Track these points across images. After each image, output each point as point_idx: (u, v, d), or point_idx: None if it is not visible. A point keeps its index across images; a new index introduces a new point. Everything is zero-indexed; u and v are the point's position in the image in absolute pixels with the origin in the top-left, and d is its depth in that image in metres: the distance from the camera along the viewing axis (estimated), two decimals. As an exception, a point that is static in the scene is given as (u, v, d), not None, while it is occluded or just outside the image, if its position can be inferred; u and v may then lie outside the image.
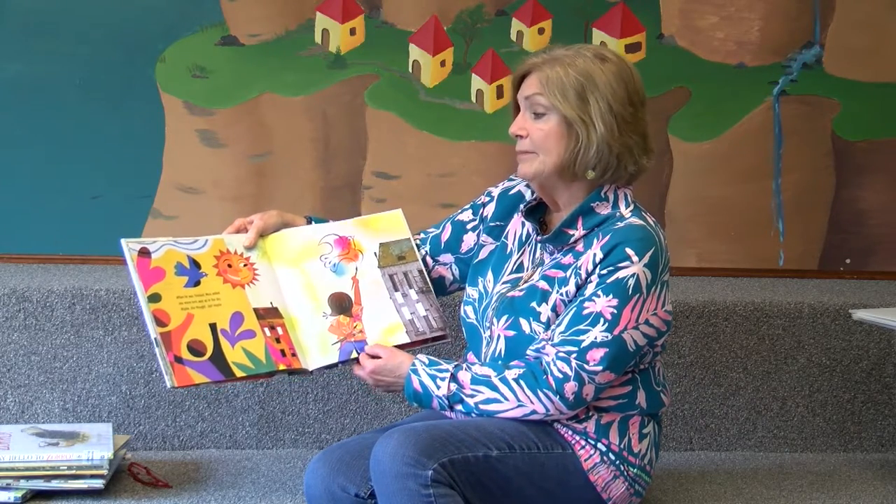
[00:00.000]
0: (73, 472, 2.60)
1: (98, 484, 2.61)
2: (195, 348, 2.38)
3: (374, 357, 2.46)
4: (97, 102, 3.44)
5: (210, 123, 3.49)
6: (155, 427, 3.06)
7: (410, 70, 3.53)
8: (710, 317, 3.17)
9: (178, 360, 2.36)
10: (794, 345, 3.19)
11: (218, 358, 2.39)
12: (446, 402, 2.39)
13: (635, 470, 2.46)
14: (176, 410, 3.06)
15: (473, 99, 3.55)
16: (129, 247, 2.44)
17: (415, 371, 2.40)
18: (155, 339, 2.36)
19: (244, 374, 2.41)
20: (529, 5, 3.54)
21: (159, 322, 2.37)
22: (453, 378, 2.38)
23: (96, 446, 2.64)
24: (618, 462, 2.44)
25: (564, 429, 2.44)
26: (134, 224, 3.47)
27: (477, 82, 3.54)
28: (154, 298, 2.40)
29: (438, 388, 2.38)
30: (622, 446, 2.44)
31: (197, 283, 2.45)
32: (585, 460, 2.42)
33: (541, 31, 3.55)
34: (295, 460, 2.98)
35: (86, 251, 3.46)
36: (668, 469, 2.96)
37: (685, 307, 3.15)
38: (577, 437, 2.44)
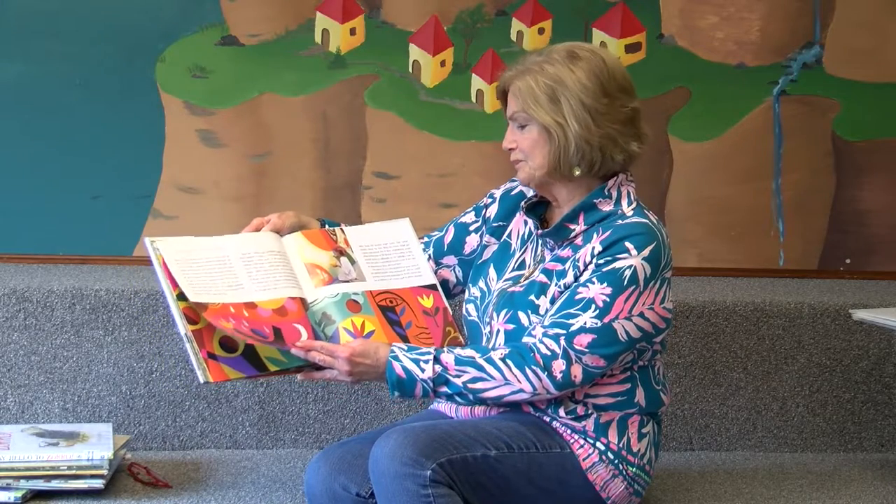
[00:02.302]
0: (73, 472, 2.60)
1: (98, 484, 2.61)
2: (227, 344, 2.36)
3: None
4: (97, 102, 3.44)
5: (210, 123, 3.49)
6: (155, 427, 3.06)
7: (410, 70, 3.53)
8: (710, 317, 3.17)
9: (212, 356, 2.33)
10: (794, 345, 3.19)
11: (250, 353, 2.37)
12: (431, 384, 2.36)
13: (634, 469, 2.46)
14: (176, 410, 3.06)
15: (473, 99, 3.55)
16: (155, 247, 2.43)
17: (395, 357, 2.37)
18: (186, 335, 2.33)
19: (277, 369, 2.39)
20: (529, 5, 3.54)
21: (189, 320, 2.35)
22: (436, 360, 2.36)
23: (96, 446, 2.64)
24: (616, 461, 2.44)
25: (563, 428, 2.44)
26: (134, 224, 3.47)
27: (477, 82, 3.54)
28: (182, 297, 2.37)
29: (423, 370, 2.35)
30: (621, 445, 2.45)
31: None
32: (584, 459, 2.42)
33: (541, 31, 3.55)
34: (295, 460, 2.98)
35: (86, 251, 3.46)
36: (668, 469, 2.96)
37: (685, 307, 3.15)
38: (576, 437, 2.44)
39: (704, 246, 3.64)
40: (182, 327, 2.34)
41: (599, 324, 2.36)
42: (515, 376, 2.36)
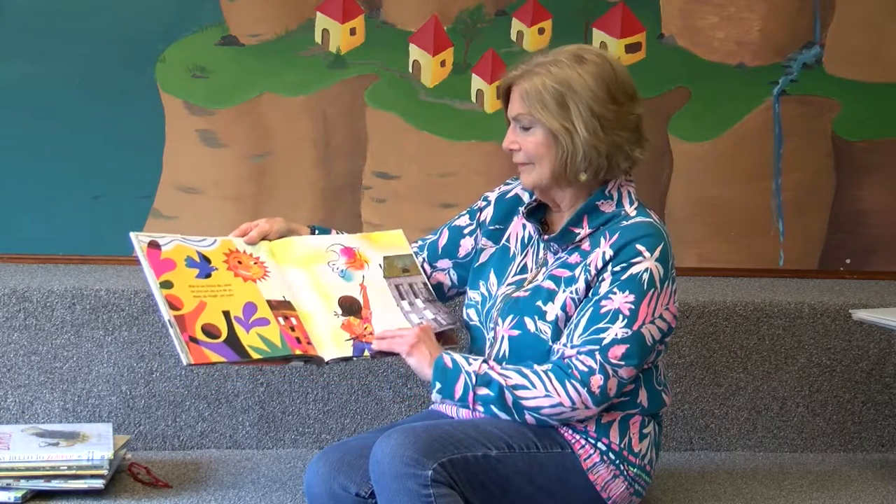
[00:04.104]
0: (73, 472, 2.60)
1: (98, 484, 2.61)
2: (210, 331, 2.37)
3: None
4: (97, 102, 3.44)
5: (210, 123, 3.49)
6: (155, 427, 3.06)
7: (410, 70, 3.53)
8: (710, 317, 3.17)
9: (193, 340, 2.35)
10: (794, 345, 3.19)
11: (233, 340, 2.39)
12: (474, 379, 2.36)
13: (635, 469, 2.46)
14: (176, 410, 3.06)
15: (473, 99, 3.55)
16: (139, 239, 2.45)
17: (446, 352, 2.40)
18: (168, 320, 2.35)
19: (260, 357, 2.39)
20: (529, 5, 3.54)
21: (172, 306, 2.37)
22: (485, 361, 2.39)
23: (96, 446, 2.64)
24: (618, 461, 2.44)
25: (564, 428, 2.44)
26: (134, 224, 3.45)
27: (477, 82, 3.54)
28: (166, 285, 2.39)
29: (470, 364, 2.37)
30: (622, 446, 2.44)
31: (208, 276, 2.45)
32: (585, 460, 2.42)
33: (541, 31, 3.55)
34: (295, 460, 2.98)
35: (86, 251, 3.46)
36: (668, 469, 2.96)
37: (685, 307, 3.15)
38: (577, 437, 2.44)
39: (704, 246, 3.64)
40: (165, 313, 2.36)
41: (630, 332, 2.36)
42: (556, 389, 2.36)
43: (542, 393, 2.36)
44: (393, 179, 3.55)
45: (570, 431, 2.44)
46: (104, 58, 3.44)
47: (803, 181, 3.64)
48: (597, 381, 2.35)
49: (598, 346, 2.36)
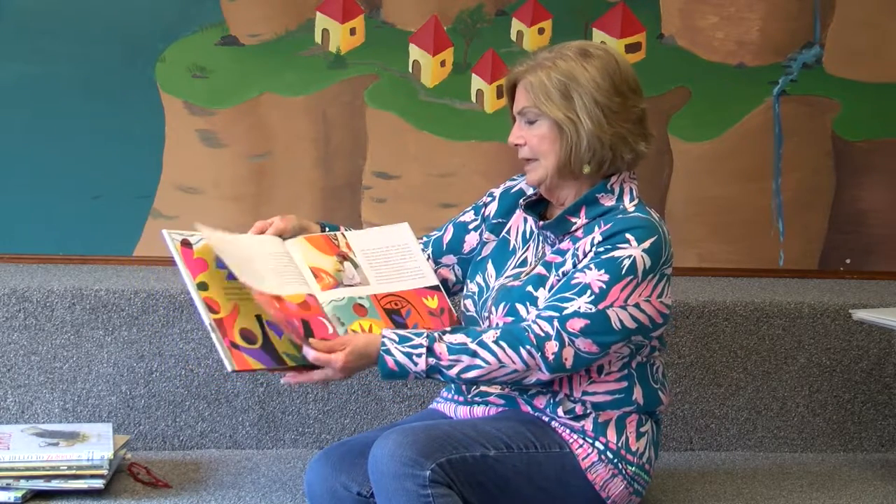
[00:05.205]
0: (73, 472, 2.60)
1: (98, 484, 2.61)
2: (247, 336, 2.34)
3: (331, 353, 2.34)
4: (97, 102, 3.44)
5: (210, 123, 3.49)
6: (155, 427, 3.06)
7: (410, 70, 3.54)
8: (710, 317, 3.17)
9: (234, 345, 2.32)
10: (794, 345, 3.20)
11: (268, 346, 2.36)
12: (423, 375, 2.35)
13: (634, 468, 2.46)
14: (176, 410, 3.07)
15: (473, 99, 3.55)
16: (172, 237, 2.41)
17: (387, 351, 2.34)
18: (210, 324, 2.32)
19: (293, 364, 2.37)
20: (529, 5, 3.54)
21: (211, 309, 2.34)
22: (429, 351, 2.34)
23: (96, 446, 2.64)
24: (616, 460, 2.44)
25: (562, 427, 2.44)
26: (134, 224, 3.47)
27: (477, 82, 3.55)
28: (202, 287, 2.35)
29: (416, 364, 2.34)
30: (620, 445, 2.45)
31: (235, 277, 2.43)
32: (583, 459, 2.43)
33: (541, 31, 3.55)
34: (295, 460, 2.98)
35: (86, 251, 3.47)
36: (668, 469, 2.96)
37: (685, 307, 3.15)
38: (575, 436, 2.44)
39: (704, 246, 3.64)
40: (206, 317, 2.32)
41: (594, 309, 2.36)
42: (510, 357, 2.35)
43: (495, 366, 2.35)
44: (393, 179, 3.55)
45: (568, 431, 2.44)
46: (104, 58, 3.44)
47: (803, 181, 3.64)
48: (552, 347, 2.35)
49: (558, 314, 2.35)
